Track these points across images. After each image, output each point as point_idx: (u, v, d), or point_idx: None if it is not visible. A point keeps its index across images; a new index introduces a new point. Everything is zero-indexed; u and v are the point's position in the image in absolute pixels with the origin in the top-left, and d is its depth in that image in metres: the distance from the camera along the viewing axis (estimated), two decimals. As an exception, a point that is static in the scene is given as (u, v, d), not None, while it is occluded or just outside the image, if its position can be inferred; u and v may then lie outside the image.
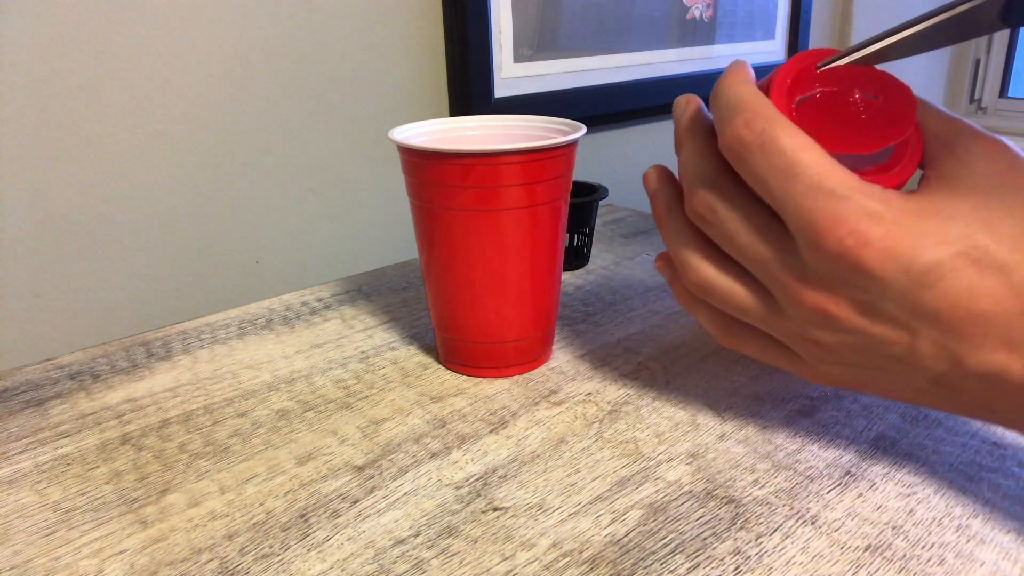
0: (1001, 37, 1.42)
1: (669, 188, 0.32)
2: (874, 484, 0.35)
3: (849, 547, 0.31)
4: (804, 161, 0.25)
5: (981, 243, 0.23)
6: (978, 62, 1.45)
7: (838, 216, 0.24)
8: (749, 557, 0.31)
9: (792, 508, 0.33)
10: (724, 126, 0.26)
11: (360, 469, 0.37)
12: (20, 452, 0.40)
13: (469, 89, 0.72)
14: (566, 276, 0.63)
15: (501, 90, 0.75)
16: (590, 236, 0.64)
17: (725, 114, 0.27)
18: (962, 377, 0.25)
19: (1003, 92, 1.46)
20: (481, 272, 0.43)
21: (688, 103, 0.31)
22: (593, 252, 0.68)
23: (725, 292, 0.29)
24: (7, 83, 0.51)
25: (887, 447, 0.38)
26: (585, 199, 0.62)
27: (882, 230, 0.23)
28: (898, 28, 0.27)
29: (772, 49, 1.08)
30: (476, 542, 0.32)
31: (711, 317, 0.32)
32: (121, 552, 0.32)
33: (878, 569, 0.30)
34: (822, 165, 0.25)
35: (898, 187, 0.27)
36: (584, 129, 0.44)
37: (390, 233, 0.73)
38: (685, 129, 0.30)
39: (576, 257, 0.64)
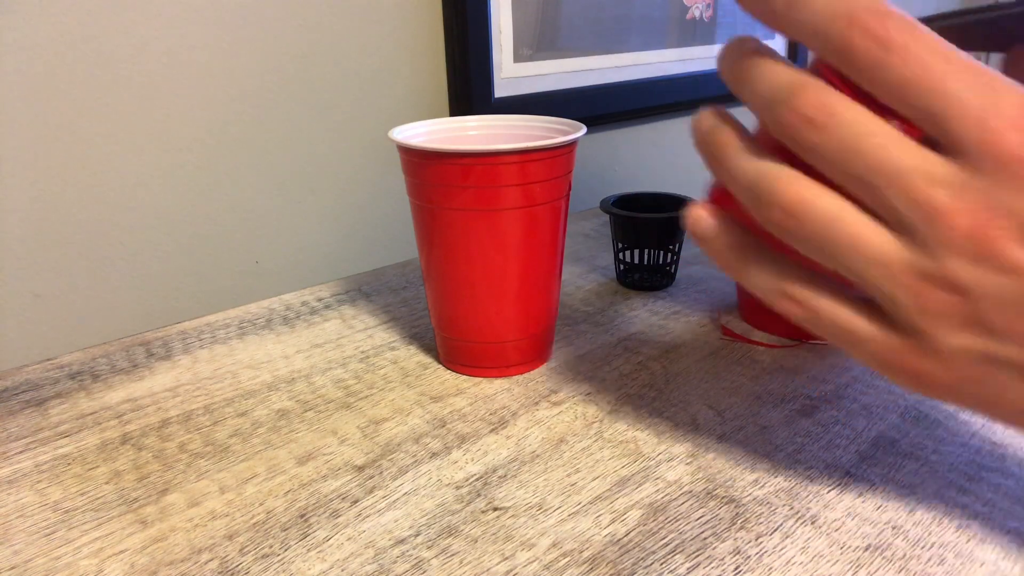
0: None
1: (730, 124, 0.25)
2: (874, 484, 0.35)
3: (849, 547, 0.31)
4: (958, 52, 0.20)
5: None
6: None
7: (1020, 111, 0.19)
8: (749, 557, 0.31)
9: (792, 508, 0.33)
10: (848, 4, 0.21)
11: (360, 469, 0.37)
12: (20, 452, 0.40)
13: (469, 89, 0.72)
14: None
15: (501, 90, 0.75)
16: (678, 254, 0.58)
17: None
18: None
19: (1003, 92, 1.46)
20: (481, 272, 0.43)
21: (742, 43, 0.25)
22: (590, 252, 0.68)
23: (832, 214, 0.22)
24: (7, 83, 0.51)
25: (887, 447, 0.38)
26: (674, 214, 0.56)
27: None
28: (942, 15, 0.26)
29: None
30: (476, 542, 0.32)
31: (771, 275, 0.25)
32: (121, 552, 0.32)
33: (878, 569, 0.30)
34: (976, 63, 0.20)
35: None
36: (584, 129, 0.44)
37: (390, 233, 0.73)
38: (751, 52, 0.24)
39: (662, 276, 0.59)
